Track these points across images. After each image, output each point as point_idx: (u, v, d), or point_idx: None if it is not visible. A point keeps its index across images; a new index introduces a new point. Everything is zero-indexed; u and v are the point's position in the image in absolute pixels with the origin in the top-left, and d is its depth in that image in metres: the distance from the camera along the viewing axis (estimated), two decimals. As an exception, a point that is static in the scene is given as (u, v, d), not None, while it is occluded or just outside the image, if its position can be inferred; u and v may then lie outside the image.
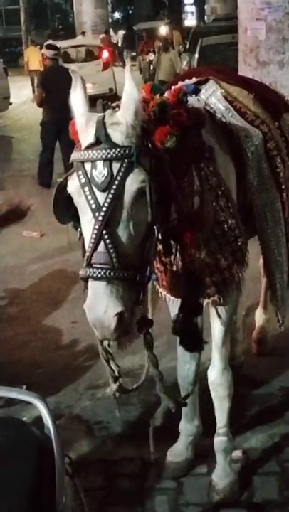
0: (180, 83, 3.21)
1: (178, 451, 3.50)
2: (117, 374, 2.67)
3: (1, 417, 3.35)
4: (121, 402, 4.03)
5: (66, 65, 17.69)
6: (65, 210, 2.43)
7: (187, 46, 19.32)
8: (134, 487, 3.42)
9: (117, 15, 50.95)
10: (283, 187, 3.28)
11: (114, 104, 2.43)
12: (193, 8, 48.84)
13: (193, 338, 2.81)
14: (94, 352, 4.56)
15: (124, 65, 20.48)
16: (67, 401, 4.12)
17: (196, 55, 14.73)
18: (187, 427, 3.52)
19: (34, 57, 21.09)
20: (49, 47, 10.86)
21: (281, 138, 3.35)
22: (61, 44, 19.25)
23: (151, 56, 19.08)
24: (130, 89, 2.28)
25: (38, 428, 2.52)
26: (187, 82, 3.20)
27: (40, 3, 44.66)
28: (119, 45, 30.20)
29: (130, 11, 52.44)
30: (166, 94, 2.79)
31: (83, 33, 24.02)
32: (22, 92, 20.44)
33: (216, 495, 3.26)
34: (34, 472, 2.29)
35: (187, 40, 20.28)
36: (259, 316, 4.54)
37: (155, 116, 2.49)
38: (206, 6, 32.08)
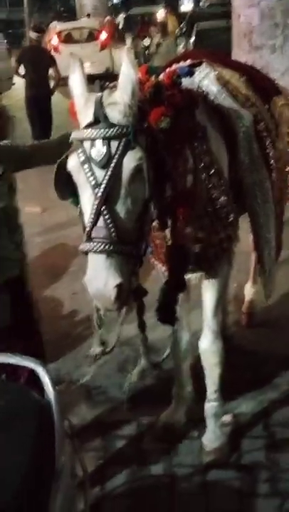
0: (174, 65, 3.18)
1: (171, 415, 3.53)
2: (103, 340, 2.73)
3: (3, 382, 3.36)
4: (119, 369, 4.11)
5: (69, 46, 18.37)
6: (66, 187, 2.43)
7: (183, 30, 19.16)
8: (131, 448, 3.45)
9: (116, -1, 50.22)
10: (272, 167, 3.27)
11: (111, 85, 2.41)
12: (189, -6, 48.21)
13: (168, 313, 2.82)
14: (92, 322, 4.62)
15: None
16: (67, 368, 4.14)
17: (192, 39, 14.61)
18: (180, 392, 3.55)
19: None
20: (34, 29, 11.00)
21: (271, 120, 3.33)
22: (66, 26, 20.55)
23: (147, 41, 18.61)
24: (128, 70, 2.27)
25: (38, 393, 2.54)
26: (182, 64, 3.17)
27: (43, -14, 43.94)
28: (120, 27, 29.80)
29: (129, -5, 51.76)
30: (161, 76, 2.78)
31: (88, 15, 23.75)
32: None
33: (206, 456, 3.29)
34: (35, 434, 2.30)
35: (182, 24, 20.14)
36: (249, 290, 4.55)
37: (150, 97, 2.49)
38: (201, -8, 31.67)
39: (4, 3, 38.47)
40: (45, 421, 2.38)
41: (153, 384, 3.92)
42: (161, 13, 23.96)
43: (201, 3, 32.68)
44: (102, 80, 2.45)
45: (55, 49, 18.60)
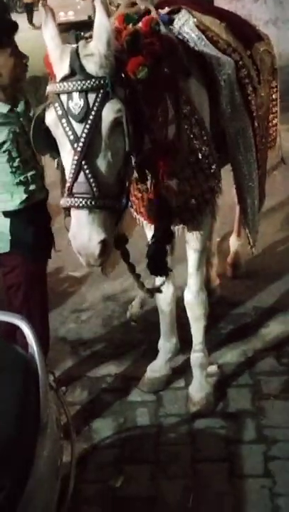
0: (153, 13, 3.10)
1: (157, 367, 3.56)
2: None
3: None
4: (104, 325, 4.13)
5: None
6: (44, 141, 2.38)
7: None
8: (117, 401, 3.48)
9: None
10: (255, 114, 3.22)
11: (87, 35, 2.34)
12: None
13: (160, 264, 2.81)
14: (77, 279, 4.63)
15: None
16: (53, 324, 4.12)
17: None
18: (165, 344, 3.57)
19: None
20: None
21: (253, 66, 3.27)
22: None
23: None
24: (101, 20, 2.19)
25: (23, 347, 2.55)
26: (160, 11, 3.08)
27: None
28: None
29: None
30: (139, 24, 2.70)
31: None
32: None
33: (192, 406, 3.34)
34: (20, 387, 2.33)
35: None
36: (233, 242, 4.55)
37: (128, 46, 2.39)
38: None
39: None
40: (29, 375, 2.40)
41: (138, 337, 3.95)
42: None
43: None
44: (85, 29, 2.38)
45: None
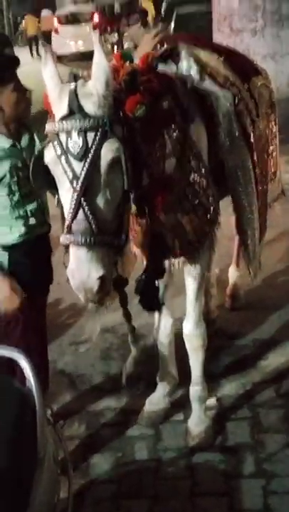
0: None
1: (156, 400, 3.54)
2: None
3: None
4: (102, 357, 4.11)
5: (66, 27, 21.41)
6: (43, 179, 2.42)
7: (163, 16, 19.01)
8: (115, 435, 3.45)
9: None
10: (254, 147, 3.26)
11: (85, 74, 2.39)
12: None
13: (151, 299, 2.82)
14: (76, 310, 4.62)
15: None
16: (51, 356, 4.11)
17: (172, 25, 14.50)
18: (164, 377, 3.56)
19: (31, 25, 24.22)
20: None
21: (251, 100, 3.31)
22: (64, 11, 22.99)
23: (115, 37, 17.41)
24: (100, 60, 2.25)
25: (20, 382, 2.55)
26: (158, 48, 3.14)
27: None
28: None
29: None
30: (136, 61, 2.75)
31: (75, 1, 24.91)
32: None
33: (192, 440, 3.31)
34: (16, 422, 2.32)
35: (160, 10, 20.02)
36: (232, 273, 4.56)
37: (126, 85, 2.44)
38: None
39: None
40: (26, 409, 2.39)
41: (137, 370, 3.93)
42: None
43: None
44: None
45: (56, 30, 21.45)
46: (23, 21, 25.88)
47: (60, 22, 21.96)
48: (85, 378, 3.95)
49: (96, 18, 21.42)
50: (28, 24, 24.28)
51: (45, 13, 25.15)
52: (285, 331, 4.19)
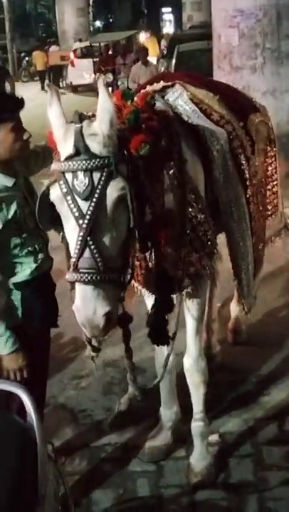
0: (148, 87, 3.21)
1: (157, 437, 3.51)
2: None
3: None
4: (104, 392, 4.08)
5: (81, 60, 22.41)
6: (48, 217, 2.45)
7: (165, 53, 19.32)
8: (117, 471, 3.42)
9: (98, 23, 50.68)
10: (248, 183, 3.29)
11: (90, 114, 2.43)
12: (170, 17, 48.72)
13: (161, 334, 2.82)
14: (78, 344, 4.60)
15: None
16: (53, 391, 4.10)
17: (173, 61, 14.71)
18: (166, 413, 3.54)
19: (40, 60, 24.81)
20: None
21: (246, 137, 3.36)
22: (79, 45, 23.99)
23: (109, 77, 16.78)
24: (104, 101, 2.29)
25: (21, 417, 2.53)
26: (155, 86, 3.20)
27: (24, 13, 44.31)
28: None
29: (111, 20, 52.24)
30: (135, 99, 2.80)
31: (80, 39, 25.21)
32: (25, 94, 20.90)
33: (194, 477, 3.27)
34: (17, 459, 2.29)
35: (163, 47, 20.42)
36: (234, 307, 4.55)
37: (129, 123, 2.49)
38: (183, 14, 31.82)
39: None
40: (27, 445, 2.36)
41: (139, 405, 3.90)
42: (142, 36, 23.40)
43: (183, 26, 33.01)
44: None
45: (72, 63, 22.61)
46: (32, 56, 26.73)
47: (75, 56, 23.19)
48: (87, 413, 3.92)
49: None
50: (37, 59, 25.19)
51: (53, 48, 26.35)
52: (288, 366, 4.17)
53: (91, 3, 38.49)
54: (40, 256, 2.99)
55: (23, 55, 30.02)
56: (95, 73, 19.69)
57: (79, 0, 27.80)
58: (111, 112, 2.28)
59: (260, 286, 5.20)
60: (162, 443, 3.49)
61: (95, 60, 21.13)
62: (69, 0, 27.48)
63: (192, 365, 3.25)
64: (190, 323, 3.19)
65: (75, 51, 23.60)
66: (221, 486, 3.26)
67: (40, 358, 3.12)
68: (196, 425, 3.35)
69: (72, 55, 23.37)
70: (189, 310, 3.15)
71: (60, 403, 4.02)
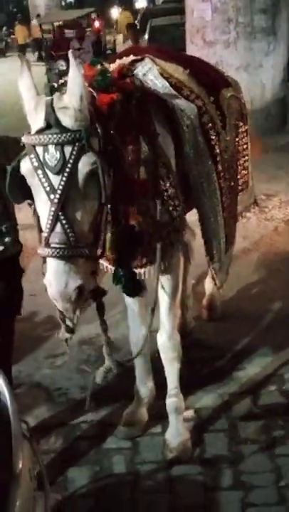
0: (118, 61, 3.18)
1: (133, 413, 3.52)
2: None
3: None
4: (79, 370, 4.08)
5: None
6: (19, 190, 2.42)
7: (137, 27, 19.11)
8: (93, 448, 3.43)
9: (70, -2, 49.89)
10: (218, 158, 3.28)
11: (62, 81, 2.40)
12: (143, -9, 48.22)
13: (133, 284, 2.84)
14: (52, 323, 4.58)
15: None
16: (28, 370, 4.11)
17: (146, 36, 14.59)
18: (141, 389, 3.55)
19: (21, 34, 25.55)
20: None
21: (216, 112, 3.34)
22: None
23: (62, 65, 14.45)
24: (74, 75, 2.26)
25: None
26: (125, 59, 3.17)
27: (-6, -12, 43.47)
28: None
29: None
30: (110, 69, 2.77)
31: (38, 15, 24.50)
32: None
33: (169, 453, 3.29)
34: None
35: (136, 21, 20.04)
36: (208, 284, 4.55)
37: (98, 85, 2.49)
38: (155, -12, 31.50)
39: None
40: (1, 423, 2.36)
41: (114, 382, 3.91)
42: (115, 12, 22.67)
43: (155, 0, 32.67)
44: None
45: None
46: (15, 30, 27.35)
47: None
48: (62, 391, 3.92)
49: (96, 23, 21.08)
50: (19, 33, 25.42)
51: (34, 22, 25.35)
52: (262, 341, 4.20)
53: (63, -23, 37.87)
54: (7, 239, 2.95)
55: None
56: (43, 59, 17.24)
57: (50, -28, 27.36)
58: (81, 86, 2.26)
59: (235, 263, 5.24)
60: (138, 419, 3.51)
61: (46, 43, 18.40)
62: (41, -27, 27.05)
63: (166, 341, 3.26)
64: (164, 300, 3.19)
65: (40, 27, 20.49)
66: (196, 460, 3.28)
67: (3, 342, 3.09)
68: (171, 401, 3.37)
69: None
70: (163, 286, 3.14)
71: (35, 382, 4.02)
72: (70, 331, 2.52)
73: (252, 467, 3.19)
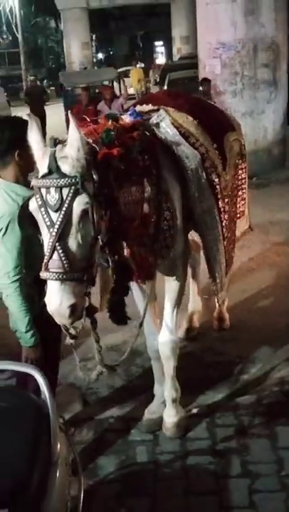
0: (138, 107, 3.26)
1: (153, 410, 3.52)
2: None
3: (7, 387, 3.35)
4: (108, 372, 4.07)
5: None
6: (28, 223, 2.55)
7: (158, 80, 19.31)
8: (119, 440, 3.42)
9: (100, 55, 50.68)
10: (219, 196, 3.35)
11: (64, 138, 2.45)
12: (162, 49, 48.84)
13: (119, 314, 2.86)
14: (83, 332, 4.60)
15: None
16: (64, 372, 4.10)
17: (165, 87, 14.74)
18: (159, 389, 3.54)
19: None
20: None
21: (218, 157, 3.39)
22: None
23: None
24: (73, 131, 2.34)
25: (36, 395, 2.53)
26: (144, 107, 3.27)
27: (37, 46, 44.23)
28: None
29: (111, 52, 52.24)
30: (127, 120, 2.88)
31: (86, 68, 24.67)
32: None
33: (165, 430, 3.38)
34: (33, 429, 2.31)
35: (156, 76, 20.21)
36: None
37: (102, 141, 2.56)
38: (173, 47, 31.86)
39: (4, 62, 38.82)
40: (42, 420, 2.38)
41: (138, 382, 3.91)
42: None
43: (173, 57, 33.03)
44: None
45: None
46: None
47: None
48: (93, 391, 3.91)
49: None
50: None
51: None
52: (265, 348, 4.18)
53: (94, 38, 38.50)
54: None
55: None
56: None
57: (83, 35, 27.89)
58: (78, 139, 2.34)
59: (241, 280, 5.24)
60: (157, 415, 3.49)
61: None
62: (75, 35, 27.56)
63: (165, 339, 3.32)
64: (167, 305, 3.29)
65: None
66: (209, 452, 3.26)
67: (53, 345, 3.12)
68: (169, 392, 3.40)
69: None
70: (168, 295, 3.27)
71: (69, 382, 4.01)
72: (73, 337, 2.56)
73: (257, 458, 3.16)
